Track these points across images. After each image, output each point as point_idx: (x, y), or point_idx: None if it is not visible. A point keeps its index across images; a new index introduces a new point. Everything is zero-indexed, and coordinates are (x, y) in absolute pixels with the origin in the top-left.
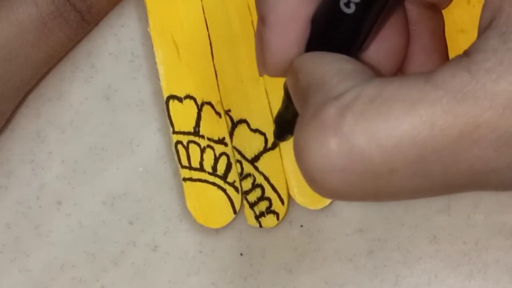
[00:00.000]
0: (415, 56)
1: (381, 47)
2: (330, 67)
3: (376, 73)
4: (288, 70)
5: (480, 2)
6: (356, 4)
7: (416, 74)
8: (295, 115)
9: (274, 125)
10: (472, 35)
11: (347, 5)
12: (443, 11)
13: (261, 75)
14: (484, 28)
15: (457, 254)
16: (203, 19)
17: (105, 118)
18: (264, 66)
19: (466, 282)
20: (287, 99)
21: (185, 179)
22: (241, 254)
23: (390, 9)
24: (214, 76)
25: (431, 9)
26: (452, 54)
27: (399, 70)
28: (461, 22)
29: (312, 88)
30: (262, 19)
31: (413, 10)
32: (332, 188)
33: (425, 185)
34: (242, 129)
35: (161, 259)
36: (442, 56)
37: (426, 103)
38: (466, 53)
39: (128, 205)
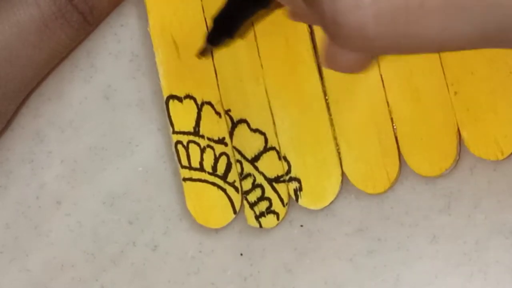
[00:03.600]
0: None
1: None
2: None
3: None
4: None
5: None
6: None
7: None
8: (241, 10)
9: (211, 25)
10: None
11: None
12: None
13: None
14: None
15: (457, 254)
16: (203, 19)
17: (104, 117)
18: None
19: (466, 282)
20: None
21: (185, 179)
22: (241, 254)
23: None
24: (214, 75)
25: None
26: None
27: None
28: None
29: None
30: None
31: None
32: (365, 26)
33: (456, 26)
34: (242, 129)
35: (161, 259)
36: None
37: None
38: None
39: (128, 205)
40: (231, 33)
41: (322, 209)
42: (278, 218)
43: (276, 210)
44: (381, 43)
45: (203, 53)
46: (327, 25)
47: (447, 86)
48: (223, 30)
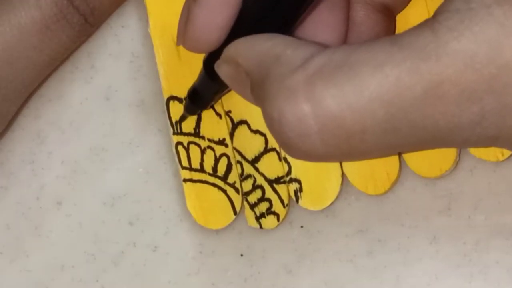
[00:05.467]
0: None
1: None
2: (273, 43)
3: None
4: (222, 60)
5: None
6: None
7: (383, 38)
8: (209, 90)
9: (187, 98)
10: None
11: None
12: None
13: (178, 44)
14: None
15: (457, 255)
16: None
17: (105, 118)
18: (183, 38)
19: (466, 283)
20: (206, 75)
21: (185, 180)
22: (241, 255)
23: None
24: None
25: (382, 12)
26: None
27: None
28: None
29: (266, 65)
30: None
31: (360, 11)
32: (311, 149)
33: (395, 141)
34: (242, 130)
35: (161, 260)
36: None
37: (392, 64)
38: (433, 16)
39: (128, 206)
40: (204, 106)
41: (322, 210)
42: (278, 219)
43: (277, 211)
44: (327, 159)
45: (181, 119)
46: (274, 136)
47: None
48: (196, 104)
